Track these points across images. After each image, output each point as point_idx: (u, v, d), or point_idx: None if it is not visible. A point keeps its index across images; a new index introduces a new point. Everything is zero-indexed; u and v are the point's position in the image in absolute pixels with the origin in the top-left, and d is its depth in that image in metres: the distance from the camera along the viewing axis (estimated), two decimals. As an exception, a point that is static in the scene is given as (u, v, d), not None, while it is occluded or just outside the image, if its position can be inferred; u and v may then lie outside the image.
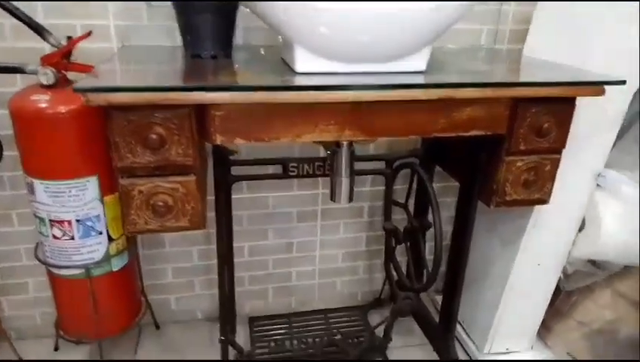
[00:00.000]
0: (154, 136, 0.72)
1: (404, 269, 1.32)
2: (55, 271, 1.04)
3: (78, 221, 0.98)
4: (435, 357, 1.26)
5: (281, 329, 1.36)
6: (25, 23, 0.88)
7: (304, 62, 0.79)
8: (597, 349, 1.20)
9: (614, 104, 1.00)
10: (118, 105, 0.69)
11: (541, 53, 1.07)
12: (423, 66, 0.84)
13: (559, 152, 0.92)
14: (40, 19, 0.99)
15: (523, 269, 1.15)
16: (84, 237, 1.00)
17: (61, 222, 0.97)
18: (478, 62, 1.05)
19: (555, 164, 0.93)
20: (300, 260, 1.42)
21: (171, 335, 1.37)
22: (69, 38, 0.92)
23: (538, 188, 0.95)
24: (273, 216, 1.34)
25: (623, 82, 0.83)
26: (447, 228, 1.26)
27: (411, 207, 1.26)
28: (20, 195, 1.12)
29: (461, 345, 1.35)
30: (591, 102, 0.91)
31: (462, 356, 1.31)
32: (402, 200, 1.23)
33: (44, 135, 0.90)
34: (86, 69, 0.91)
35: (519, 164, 0.91)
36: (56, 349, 1.26)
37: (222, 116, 0.74)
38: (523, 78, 0.92)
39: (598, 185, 1.07)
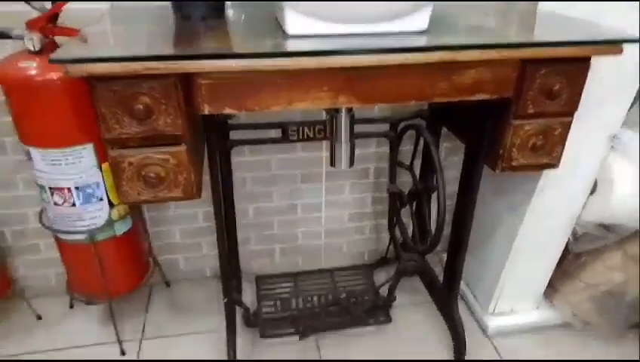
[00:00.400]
0: (140, 107, 0.70)
1: (410, 230, 1.31)
2: (60, 236, 1.06)
3: (77, 188, 0.98)
4: (438, 314, 1.27)
5: (287, 287, 1.38)
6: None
7: (295, 23, 0.74)
8: (603, 311, 1.19)
9: (633, 62, 0.92)
10: (100, 75, 0.66)
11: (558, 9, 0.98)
12: (424, 25, 0.78)
13: (571, 115, 0.87)
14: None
15: (530, 232, 1.12)
16: (85, 203, 1.00)
17: (61, 189, 0.98)
18: (488, 17, 0.97)
19: (566, 128, 0.88)
20: (305, 221, 1.42)
21: (181, 293, 1.41)
22: (54, 0, 0.88)
23: (547, 152, 0.90)
24: (277, 178, 1.32)
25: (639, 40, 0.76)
26: (455, 188, 1.23)
27: (417, 169, 1.23)
28: (23, 160, 1.12)
29: (466, 304, 1.36)
30: (607, 61, 0.84)
31: (466, 315, 1.31)
32: (408, 162, 1.20)
33: (35, 103, 0.88)
34: (71, 32, 0.88)
35: (527, 128, 0.86)
36: (71, 306, 1.31)
37: (208, 85, 0.70)
38: (534, 37, 0.85)
39: (612, 146, 1.02)
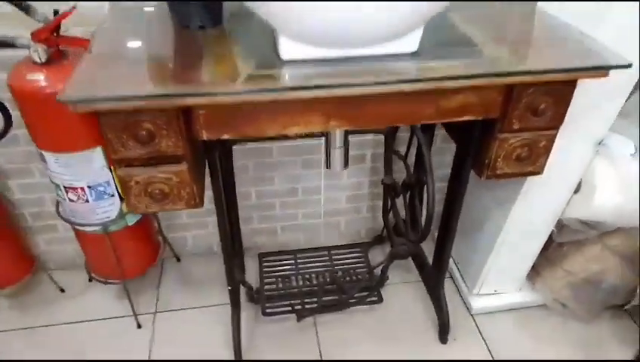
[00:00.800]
0: (143, 133, 0.75)
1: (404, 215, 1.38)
2: (76, 227, 1.15)
3: (89, 187, 1.05)
4: (427, 295, 1.37)
5: (287, 265, 1.48)
6: (9, 1, 0.86)
7: (289, 50, 0.76)
8: (580, 296, 1.28)
9: (623, 74, 0.93)
10: (106, 111, 0.71)
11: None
12: (414, 47, 0.80)
13: (556, 129, 0.90)
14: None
15: (515, 225, 1.18)
16: (98, 200, 1.08)
17: (74, 188, 1.05)
18: (479, 26, 0.95)
19: (551, 141, 0.92)
20: (305, 203, 1.49)
21: (191, 267, 1.52)
22: (56, 12, 0.90)
23: (531, 162, 0.94)
24: (278, 165, 1.38)
25: (629, 65, 0.78)
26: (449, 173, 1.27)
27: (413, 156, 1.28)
28: (36, 151, 1.19)
29: (454, 283, 1.45)
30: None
31: (453, 294, 1.42)
32: (403, 151, 1.24)
33: (45, 113, 0.93)
34: (77, 43, 0.91)
35: (512, 141, 0.90)
36: (90, 280, 1.43)
37: (205, 115, 0.75)
38: (523, 57, 0.85)
39: (597, 151, 1.05)
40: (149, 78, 0.76)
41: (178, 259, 1.54)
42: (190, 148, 0.81)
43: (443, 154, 1.41)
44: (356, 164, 1.43)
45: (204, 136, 0.78)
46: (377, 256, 1.54)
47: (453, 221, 1.13)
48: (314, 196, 1.48)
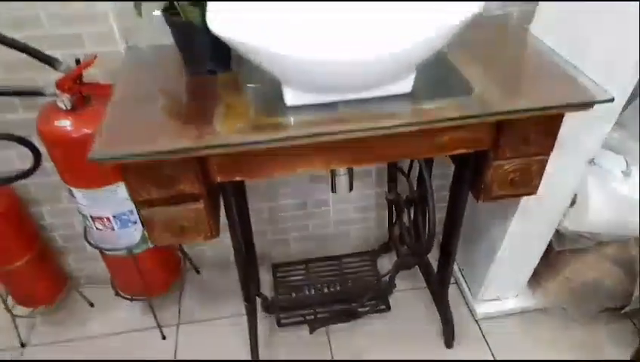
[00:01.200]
0: (164, 179, 0.83)
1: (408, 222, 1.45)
2: (103, 251, 1.25)
3: (115, 216, 1.14)
4: (433, 301, 1.45)
5: (300, 275, 1.56)
6: (32, 55, 0.94)
7: (292, 97, 0.83)
8: (579, 300, 1.34)
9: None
10: (130, 164, 0.79)
11: (548, 33, 1.03)
12: (408, 88, 0.86)
13: (547, 154, 0.96)
14: (46, 29, 1.04)
15: (515, 236, 1.24)
16: (123, 227, 1.17)
17: (101, 218, 1.14)
18: (470, 55, 0.99)
19: (543, 165, 0.97)
20: (315, 214, 1.57)
21: (210, 279, 1.61)
22: (78, 61, 0.98)
23: (525, 184, 1.00)
24: (288, 181, 1.46)
25: (611, 100, 0.83)
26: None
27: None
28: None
29: (459, 288, 1.52)
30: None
31: (458, 299, 1.49)
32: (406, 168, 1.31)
33: (73, 155, 1.02)
34: (100, 90, 0.99)
35: (506, 167, 0.96)
36: (116, 294, 1.53)
37: (219, 162, 0.83)
38: (512, 95, 0.88)
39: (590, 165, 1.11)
40: (168, 132, 0.83)
41: (198, 271, 1.63)
42: (206, 187, 0.88)
43: (448, 167, 1.46)
44: (362, 177, 1.49)
45: (218, 179, 0.86)
46: (386, 263, 1.61)
47: (454, 239, 1.20)
48: (323, 208, 1.56)
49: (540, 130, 0.90)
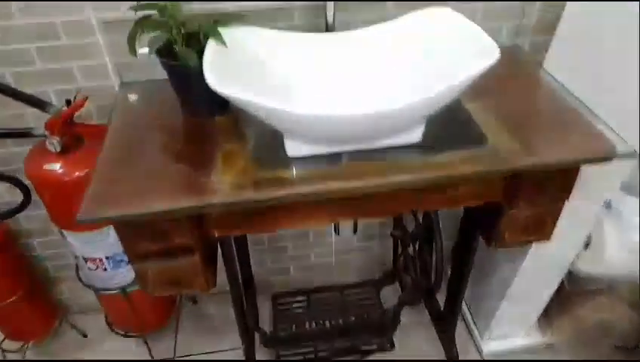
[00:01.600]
0: (158, 233, 0.78)
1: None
2: (96, 291, 1.20)
3: (107, 258, 1.09)
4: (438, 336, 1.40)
5: (300, 307, 1.51)
6: (22, 101, 0.89)
7: (294, 148, 0.78)
8: (591, 340, 1.29)
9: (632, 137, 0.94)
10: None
11: (562, 69, 0.98)
12: (417, 138, 0.81)
13: (562, 202, 0.91)
14: (38, 65, 0.99)
15: (526, 276, 1.19)
16: (115, 268, 1.12)
17: (93, 259, 1.09)
18: (484, 95, 0.92)
19: (558, 213, 0.92)
20: (317, 244, 1.52)
21: (207, 309, 1.56)
22: (68, 102, 0.93)
23: (539, 231, 0.95)
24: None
25: (634, 155, 0.78)
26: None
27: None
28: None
29: (466, 324, 1.47)
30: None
31: (465, 335, 1.44)
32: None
33: (63, 197, 0.97)
34: (93, 132, 0.94)
35: (519, 216, 0.91)
36: (111, 329, 1.48)
37: (217, 219, 0.78)
38: (526, 146, 0.81)
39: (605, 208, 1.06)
40: (162, 188, 0.77)
41: (195, 302, 1.58)
42: (202, 241, 0.83)
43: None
44: (366, 208, 1.44)
45: (216, 234, 0.81)
46: (389, 294, 1.56)
47: (462, 282, 1.15)
48: (325, 238, 1.51)
49: (557, 180, 0.85)
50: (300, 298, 1.54)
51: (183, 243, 0.81)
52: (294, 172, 0.77)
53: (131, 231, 0.77)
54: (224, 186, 0.75)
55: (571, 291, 1.27)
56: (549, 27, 1.06)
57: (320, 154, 0.79)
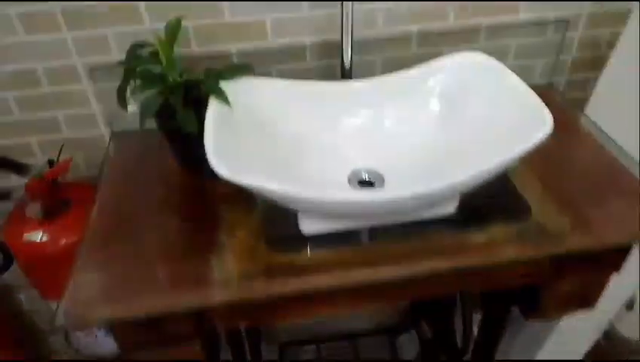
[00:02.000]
0: (152, 326, 0.67)
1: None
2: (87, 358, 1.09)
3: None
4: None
5: (310, 358, 1.40)
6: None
7: (310, 226, 0.68)
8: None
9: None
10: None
11: (608, 118, 0.87)
12: (451, 210, 0.70)
13: (615, 271, 0.79)
14: (16, 114, 0.89)
15: (560, 335, 1.08)
16: (106, 335, 1.01)
17: (82, 328, 0.98)
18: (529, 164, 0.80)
19: (605, 284, 0.81)
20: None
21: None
22: (51, 163, 0.83)
23: (584, 302, 0.84)
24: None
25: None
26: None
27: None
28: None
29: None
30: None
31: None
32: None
33: (46, 268, 0.86)
34: (79, 194, 0.83)
35: (562, 289, 0.80)
36: None
37: (220, 313, 0.67)
38: (577, 223, 0.70)
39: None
40: (157, 280, 0.66)
41: (196, 351, 1.47)
42: (203, 331, 0.72)
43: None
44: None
45: (219, 327, 0.70)
46: (406, 344, 1.45)
47: (491, 354, 1.03)
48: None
49: (610, 256, 0.74)
50: (309, 348, 1.43)
51: (180, 334, 0.70)
52: (310, 254, 0.67)
53: (128, 324, 0.66)
54: (230, 277, 0.64)
55: (606, 350, 1.16)
56: (591, 63, 0.95)
57: (339, 231, 0.68)
